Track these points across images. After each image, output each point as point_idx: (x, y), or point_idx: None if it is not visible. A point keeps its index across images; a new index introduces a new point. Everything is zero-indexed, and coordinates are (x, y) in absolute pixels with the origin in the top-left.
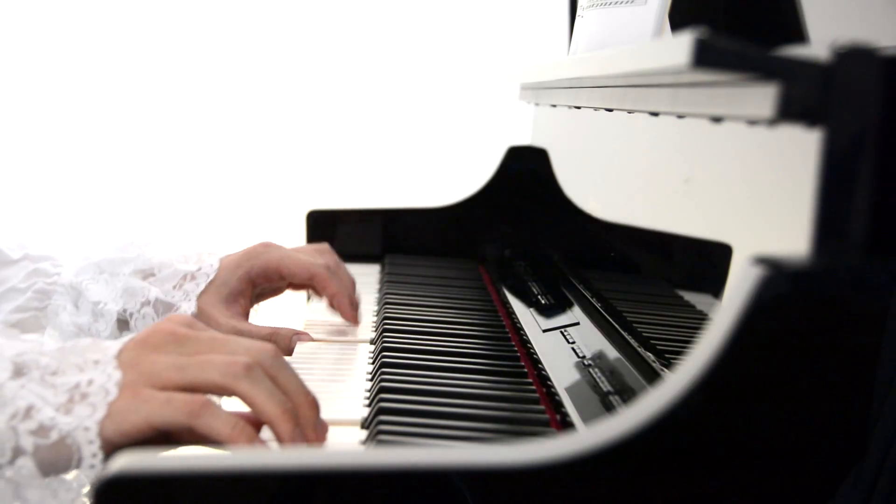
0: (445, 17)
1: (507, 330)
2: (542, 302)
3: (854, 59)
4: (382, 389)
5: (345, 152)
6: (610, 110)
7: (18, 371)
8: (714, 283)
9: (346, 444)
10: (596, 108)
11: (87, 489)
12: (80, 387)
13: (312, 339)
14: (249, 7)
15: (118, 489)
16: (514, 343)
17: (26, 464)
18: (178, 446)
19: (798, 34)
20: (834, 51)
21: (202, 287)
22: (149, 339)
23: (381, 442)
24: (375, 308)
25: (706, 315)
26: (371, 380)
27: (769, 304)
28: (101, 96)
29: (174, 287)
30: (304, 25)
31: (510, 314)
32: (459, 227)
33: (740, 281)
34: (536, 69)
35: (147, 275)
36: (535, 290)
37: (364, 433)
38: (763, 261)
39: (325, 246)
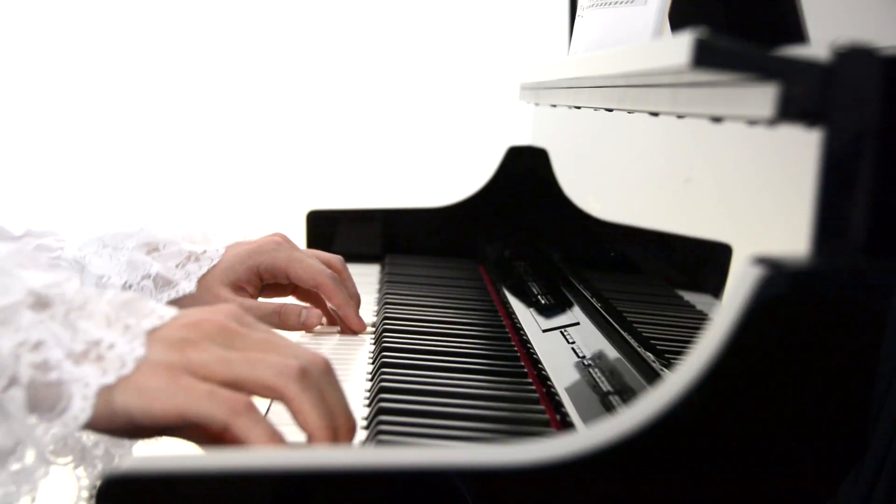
0: (446, 17)
1: (507, 330)
2: (542, 302)
3: (854, 59)
4: (382, 389)
5: (345, 152)
6: (610, 110)
7: (41, 303)
8: (714, 283)
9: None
10: (596, 108)
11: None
12: (100, 345)
13: (322, 316)
14: (251, 7)
15: (119, 489)
16: (514, 343)
17: (17, 395)
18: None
19: (798, 34)
20: (834, 51)
21: (204, 270)
22: (198, 325)
23: (381, 442)
24: (375, 308)
25: (706, 315)
26: (371, 380)
27: (769, 304)
28: (103, 97)
29: (177, 265)
30: (304, 26)
31: (510, 314)
32: (459, 227)
33: (740, 281)
34: (536, 69)
35: (151, 249)
36: (535, 290)
37: (364, 433)
38: (763, 261)
39: (337, 257)
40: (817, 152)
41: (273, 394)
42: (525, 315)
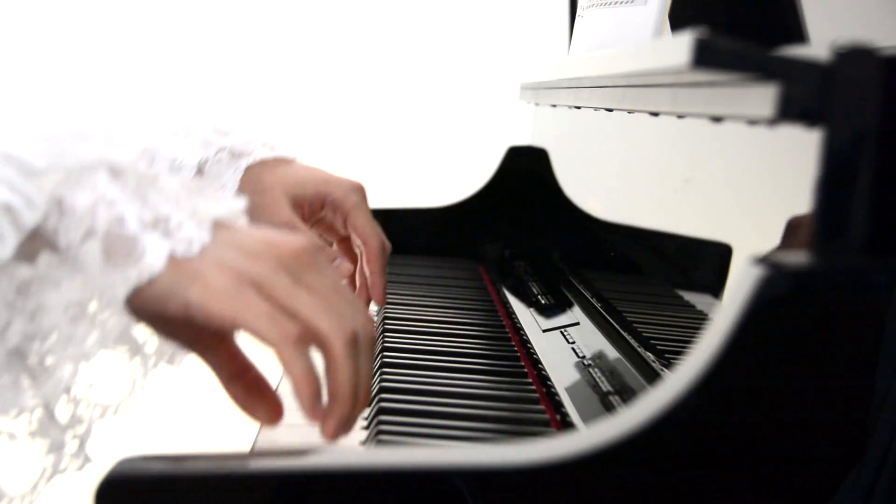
0: (446, 17)
1: (507, 330)
2: (542, 302)
3: (854, 59)
4: (382, 389)
5: (345, 152)
6: (610, 110)
7: (113, 172)
8: (714, 283)
9: (346, 444)
10: (596, 108)
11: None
12: (169, 221)
13: (352, 271)
14: (251, 8)
15: (119, 489)
16: (514, 343)
17: (93, 247)
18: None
19: (798, 34)
20: (834, 51)
21: (278, 154)
22: (276, 246)
23: (381, 442)
24: (375, 308)
25: (706, 315)
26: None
27: (769, 304)
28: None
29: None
30: (304, 25)
31: (510, 314)
32: (459, 227)
33: (740, 281)
34: (536, 69)
35: (222, 134)
36: (535, 290)
37: (364, 433)
38: (763, 261)
39: (388, 243)
40: (817, 152)
41: (320, 343)
42: (525, 315)
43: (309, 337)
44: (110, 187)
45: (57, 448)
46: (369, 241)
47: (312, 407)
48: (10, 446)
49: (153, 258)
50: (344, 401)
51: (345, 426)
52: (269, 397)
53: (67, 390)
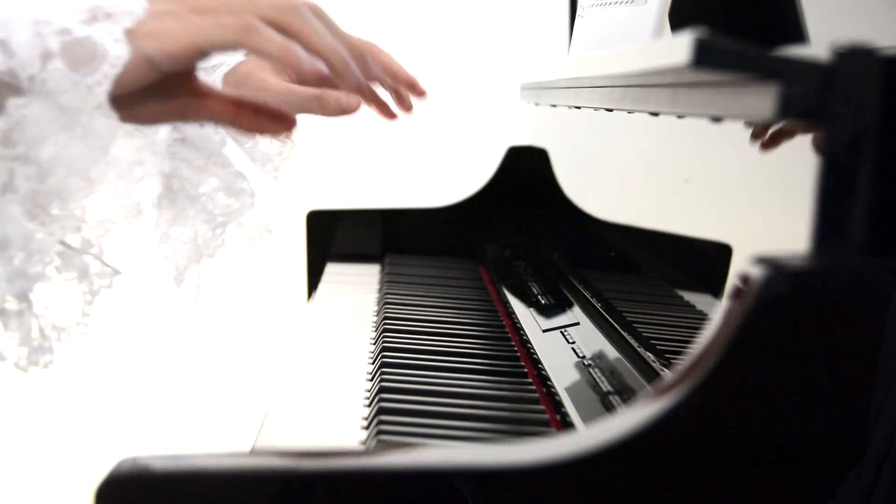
0: (446, 17)
1: (507, 330)
2: (542, 302)
3: (854, 59)
4: (382, 389)
5: (345, 152)
6: (610, 110)
7: (31, 8)
8: (714, 283)
9: (346, 443)
10: (596, 109)
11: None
12: (102, 8)
13: (361, 102)
14: None
15: (119, 489)
16: (514, 343)
17: (57, 66)
18: None
19: (798, 34)
20: (834, 51)
21: None
22: None
23: (381, 442)
24: (375, 308)
25: (706, 315)
26: (371, 380)
27: (769, 304)
28: None
29: None
30: None
31: (510, 314)
32: (459, 227)
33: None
34: (536, 69)
35: None
36: (535, 290)
37: (364, 433)
38: (763, 261)
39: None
40: (817, 152)
41: (274, 24)
42: (525, 315)
43: (260, 22)
44: (38, 14)
45: (84, 274)
46: (328, 56)
47: (307, 60)
48: (47, 287)
49: (115, 51)
50: (333, 53)
51: (361, 80)
52: (275, 112)
53: (71, 220)
